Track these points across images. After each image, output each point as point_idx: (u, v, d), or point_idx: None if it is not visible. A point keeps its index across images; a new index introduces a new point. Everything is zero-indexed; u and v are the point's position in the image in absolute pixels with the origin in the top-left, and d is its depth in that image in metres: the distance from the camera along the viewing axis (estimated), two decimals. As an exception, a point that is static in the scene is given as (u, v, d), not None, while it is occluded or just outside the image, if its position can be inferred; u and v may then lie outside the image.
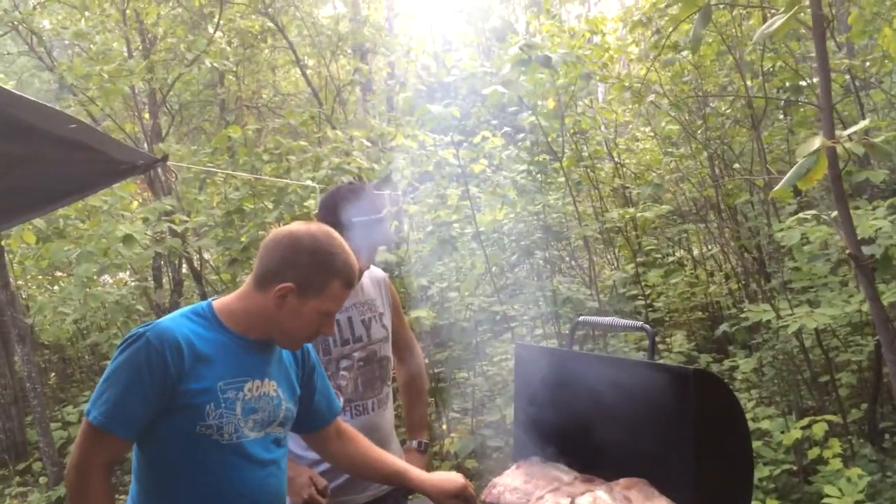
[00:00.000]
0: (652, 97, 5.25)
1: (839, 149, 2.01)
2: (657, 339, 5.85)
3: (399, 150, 5.36)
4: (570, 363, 2.60)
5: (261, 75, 11.10)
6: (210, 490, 2.06)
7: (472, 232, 5.06)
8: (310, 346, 2.39)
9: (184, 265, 6.74)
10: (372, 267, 3.15)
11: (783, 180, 1.93)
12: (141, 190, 6.43)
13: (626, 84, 5.13)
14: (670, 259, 6.65)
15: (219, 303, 2.18)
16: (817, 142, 1.83)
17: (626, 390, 2.36)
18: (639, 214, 5.50)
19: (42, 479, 6.97)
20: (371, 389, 2.90)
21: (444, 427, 5.50)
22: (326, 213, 2.81)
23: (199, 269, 6.19)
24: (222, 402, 2.03)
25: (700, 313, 7.31)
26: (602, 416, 2.47)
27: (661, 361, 2.39)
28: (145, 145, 6.47)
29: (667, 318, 7.33)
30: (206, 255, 6.48)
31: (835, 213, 2.43)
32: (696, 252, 7.37)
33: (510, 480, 2.59)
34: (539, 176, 6.25)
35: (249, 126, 6.05)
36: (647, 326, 2.39)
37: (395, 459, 2.52)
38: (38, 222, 4.46)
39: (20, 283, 8.65)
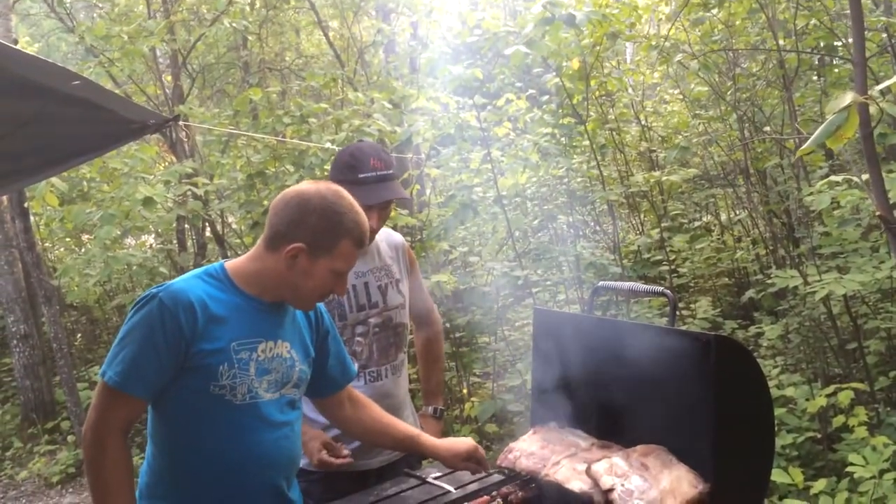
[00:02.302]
0: (680, 57, 5.09)
1: (872, 107, 1.92)
2: (681, 305, 5.78)
3: (420, 113, 5.28)
4: (589, 329, 2.55)
5: (284, 37, 11.02)
6: (224, 450, 2.08)
7: (493, 196, 4.99)
8: (324, 309, 2.39)
9: (207, 228, 6.76)
10: (391, 232, 3.11)
11: (811, 139, 1.84)
12: (164, 153, 6.43)
13: (654, 44, 4.97)
14: (696, 224, 6.52)
15: (231, 264, 2.19)
16: (848, 97, 1.73)
17: (646, 356, 2.31)
18: (664, 178, 5.39)
19: (70, 438, 7.13)
20: (386, 356, 2.88)
21: (465, 391, 5.50)
22: (336, 172, 2.78)
23: (221, 232, 6.20)
24: (236, 362, 2.05)
25: (727, 279, 7.22)
26: (621, 382, 2.43)
27: (683, 328, 2.33)
28: (168, 107, 6.44)
29: (692, 284, 7.25)
30: (230, 219, 6.49)
31: (866, 176, 2.33)
32: (723, 217, 7.23)
33: (527, 445, 2.57)
34: (563, 139, 6.15)
35: (272, 88, 6.00)
36: (669, 292, 2.34)
37: (405, 426, 2.52)
38: (61, 184, 4.48)
39: (48, 245, 8.76)
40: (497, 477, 2.58)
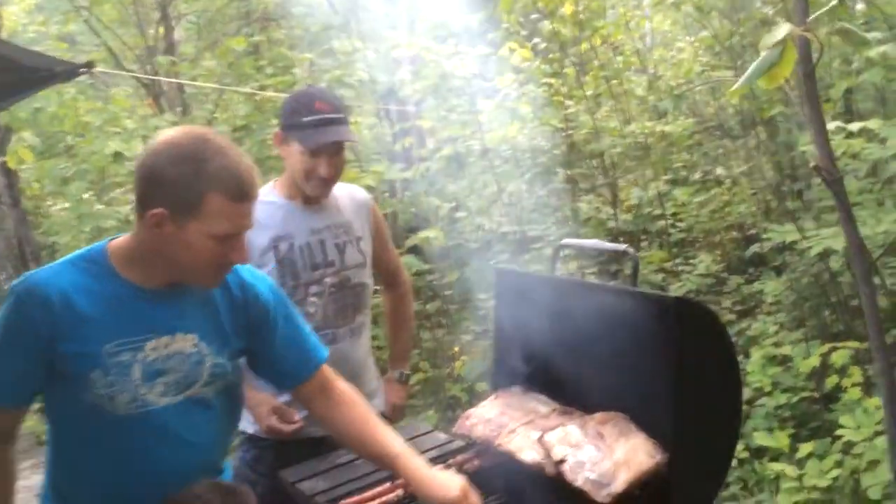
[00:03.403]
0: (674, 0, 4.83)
1: (811, 38, 1.69)
2: (679, 260, 5.60)
3: (404, 62, 5.08)
4: (550, 289, 2.41)
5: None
6: (113, 467, 1.78)
7: (479, 149, 4.81)
8: (263, 284, 2.00)
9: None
10: (355, 188, 2.96)
11: (742, 79, 1.64)
12: (148, 106, 6.29)
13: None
14: (700, 177, 6.29)
15: (115, 244, 1.82)
16: (784, 29, 1.52)
17: (608, 318, 2.18)
18: (658, 129, 5.16)
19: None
20: (343, 317, 2.74)
21: (457, 349, 5.40)
22: (281, 120, 2.63)
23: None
24: (111, 367, 1.71)
25: (735, 233, 7.00)
26: (583, 345, 2.29)
27: (643, 289, 2.19)
28: (151, 60, 6.27)
29: (699, 238, 7.05)
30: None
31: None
32: (723, 170, 6.98)
33: (484, 412, 2.45)
34: (564, 88, 5.92)
35: (257, 37, 5.81)
36: (631, 250, 2.18)
37: (389, 440, 2.00)
38: (33, 139, 4.37)
39: (48, 202, 8.70)
40: (458, 443, 2.48)
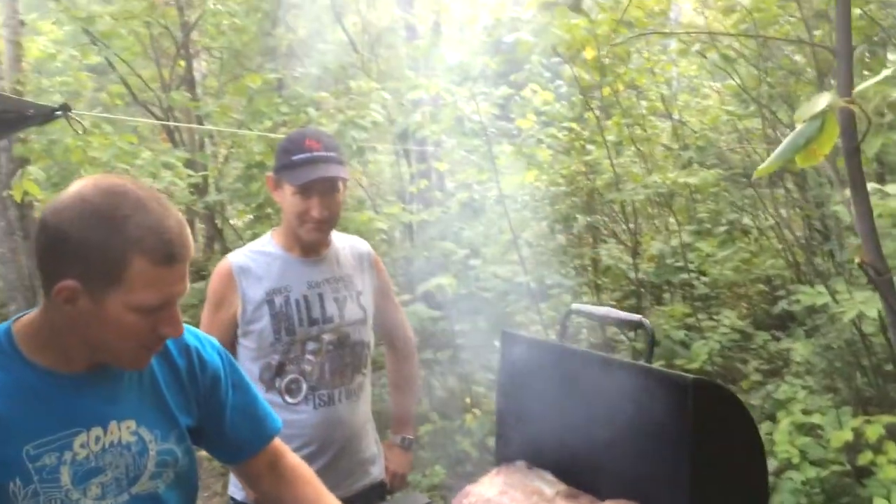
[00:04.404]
0: (697, 47, 4.67)
1: (857, 110, 1.49)
2: (702, 316, 5.38)
3: (420, 104, 4.97)
4: (559, 358, 2.22)
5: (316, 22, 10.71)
6: None
7: (496, 195, 4.66)
8: (210, 346, 1.74)
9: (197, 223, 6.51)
10: (356, 239, 2.81)
11: (772, 156, 1.44)
12: (162, 141, 6.23)
13: (667, 31, 4.56)
14: (722, 228, 6.08)
15: (21, 323, 1.51)
16: (824, 99, 1.33)
17: (620, 395, 1.99)
18: (681, 180, 4.98)
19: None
20: (340, 377, 2.56)
21: (468, 401, 5.20)
22: (275, 162, 2.52)
23: (219, 227, 5.96)
24: (34, 473, 1.42)
25: (762, 286, 6.75)
26: (593, 422, 2.10)
27: (658, 367, 2.00)
28: (166, 94, 6.22)
29: (725, 291, 6.80)
30: (234, 217, 6.22)
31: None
32: (750, 220, 6.75)
33: (484, 489, 2.25)
34: (585, 133, 5.77)
35: (274, 74, 5.74)
36: (647, 322, 2.00)
37: None
38: (39, 173, 4.30)
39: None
40: (455, 521, 2.28)
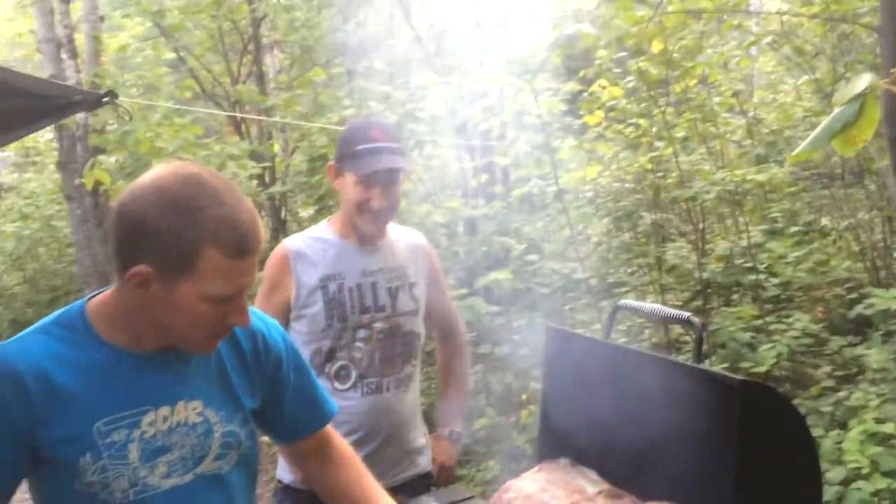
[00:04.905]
0: (768, 39, 4.48)
1: None
2: (771, 319, 5.17)
3: (482, 97, 4.93)
4: (605, 356, 2.17)
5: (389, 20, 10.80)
6: None
7: (555, 190, 4.59)
8: (276, 331, 1.77)
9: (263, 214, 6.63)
10: (413, 232, 2.81)
11: (805, 142, 1.34)
12: (229, 134, 6.37)
13: (735, 23, 4.39)
14: (798, 228, 5.84)
15: (95, 303, 1.55)
16: (864, 80, 1.22)
17: (666, 395, 1.93)
18: (750, 177, 4.79)
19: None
20: (390, 367, 2.57)
21: (525, 397, 5.15)
22: (336, 151, 2.54)
23: (283, 218, 6.06)
24: (103, 449, 1.46)
25: (838, 289, 6.47)
26: (638, 422, 2.04)
27: (705, 367, 1.93)
28: (233, 89, 6.37)
29: (798, 295, 6.55)
30: (300, 209, 6.32)
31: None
32: (828, 222, 6.47)
33: (525, 485, 2.22)
34: (653, 129, 5.63)
35: (339, 69, 5.80)
36: (696, 320, 1.92)
37: None
38: (109, 162, 4.46)
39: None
40: (496, 516, 2.24)
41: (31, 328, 1.54)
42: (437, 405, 3.02)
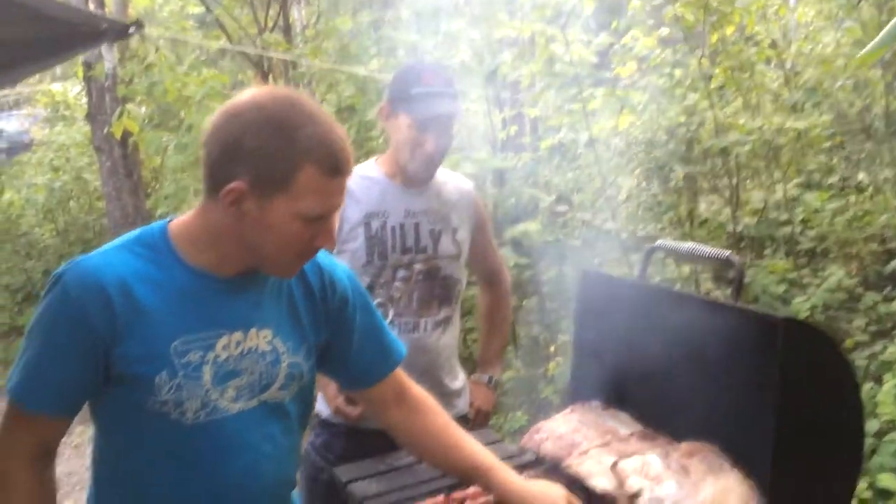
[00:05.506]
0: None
1: None
2: (805, 272, 5.09)
3: (511, 45, 4.82)
4: (640, 296, 2.13)
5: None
6: (178, 484, 1.53)
7: (586, 139, 4.49)
8: (341, 271, 1.76)
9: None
10: (462, 178, 2.78)
11: (875, 40, 1.26)
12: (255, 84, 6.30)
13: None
14: (833, 181, 5.70)
15: (177, 224, 1.56)
16: None
17: (704, 335, 1.89)
18: (788, 125, 4.66)
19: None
20: (427, 308, 2.57)
21: (553, 349, 5.14)
22: (389, 92, 2.52)
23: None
24: (179, 368, 1.47)
25: (875, 245, 6.34)
26: (674, 363, 2.01)
27: (746, 305, 1.88)
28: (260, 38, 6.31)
29: (833, 249, 6.43)
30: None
31: None
32: (866, 175, 6.31)
33: (556, 426, 2.21)
34: (687, 80, 5.49)
35: (366, 18, 5.71)
36: (736, 258, 1.88)
37: (478, 452, 1.79)
38: (136, 111, 4.44)
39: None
40: (527, 457, 2.23)
41: (111, 244, 1.55)
42: (477, 350, 3.02)
